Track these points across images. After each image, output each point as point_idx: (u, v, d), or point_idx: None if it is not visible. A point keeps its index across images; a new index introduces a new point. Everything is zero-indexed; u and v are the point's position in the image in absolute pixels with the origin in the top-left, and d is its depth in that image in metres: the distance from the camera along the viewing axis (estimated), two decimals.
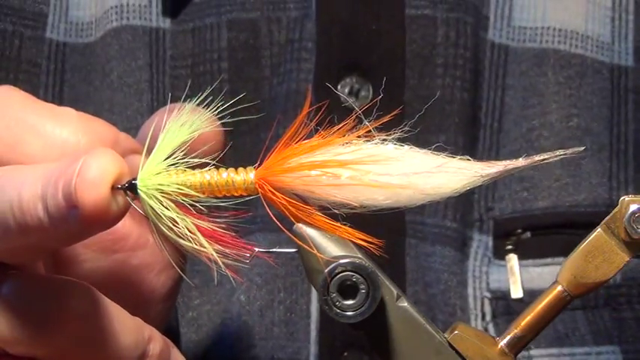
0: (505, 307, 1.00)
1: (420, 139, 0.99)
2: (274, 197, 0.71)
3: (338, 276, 0.68)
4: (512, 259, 1.01)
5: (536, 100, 1.02)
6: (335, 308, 0.69)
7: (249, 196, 0.73)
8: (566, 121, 1.02)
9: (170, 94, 1.03)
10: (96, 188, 0.63)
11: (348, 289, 0.69)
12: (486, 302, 1.00)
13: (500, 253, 1.01)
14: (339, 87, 1.00)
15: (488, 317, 1.00)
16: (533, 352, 0.98)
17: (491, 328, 1.00)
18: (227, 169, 0.72)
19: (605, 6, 1.03)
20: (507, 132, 1.02)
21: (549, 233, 1.01)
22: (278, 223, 0.71)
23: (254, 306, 1.00)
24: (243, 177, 0.72)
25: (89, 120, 0.73)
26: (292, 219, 0.71)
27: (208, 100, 0.72)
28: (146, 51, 1.04)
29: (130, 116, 1.03)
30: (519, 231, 1.01)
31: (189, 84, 1.02)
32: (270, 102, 1.02)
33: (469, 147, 1.02)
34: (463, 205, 1.01)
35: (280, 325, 1.00)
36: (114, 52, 1.04)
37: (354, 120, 0.72)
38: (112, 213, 0.65)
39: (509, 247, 1.02)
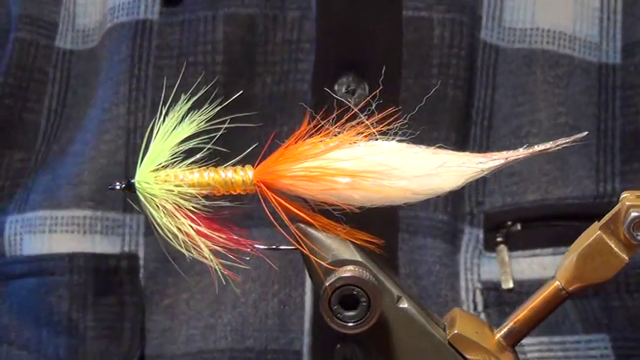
0: (496, 298, 1.02)
1: (414, 135, 1.01)
2: (272, 197, 0.72)
3: (339, 290, 0.69)
4: (503, 250, 1.03)
5: (526, 99, 1.04)
6: (336, 319, 0.69)
7: (247, 194, 0.73)
8: (554, 119, 1.04)
9: (153, 83, 1.04)
10: None
11: (348, 300, 0.69)
12: (478, 293, 1.02)
13: (490, 245, 1.03)
14: (335, 86, 1.02)
15: (480, 307, 1.02)
16: (525, 340, 1.00)
17: (482, 317, 1.01)
18: (225, 167, 0.73)
19: (593, 7, 1.05)
20: (497, 129, 1.04)
21: (538, 225, 1.03)
22: (276, 224, 0.72)
23: (248, 298, 1.02)
24: (242, 176, 0.73)
25: None
26: (288, 221, 0.72)
27: (201, 95, 0.73)
28: (129, 43, 1.05)
29: (105, 108, 1.05)
30: (509, 223, 1.03)
31: (181, 74, 1.03)
32: (263, 100, 1.03)
33: (461, 143, 1.03)
34: (454, 198, 1.03)
35: (274, 317, 1.02)
36: (104, 52, 1.06)
37: (354, 118, 0.73)
38: None
39: (500, 239, 1.03)
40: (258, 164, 0.73)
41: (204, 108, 0.73)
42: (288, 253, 1.00)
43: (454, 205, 1.03)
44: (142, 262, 1.03)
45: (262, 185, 0.73)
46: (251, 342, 1.02)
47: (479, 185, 1.03)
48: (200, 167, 0.73)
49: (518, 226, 1.03)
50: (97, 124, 1.04)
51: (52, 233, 1.03)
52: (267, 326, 1.02)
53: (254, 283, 1.03)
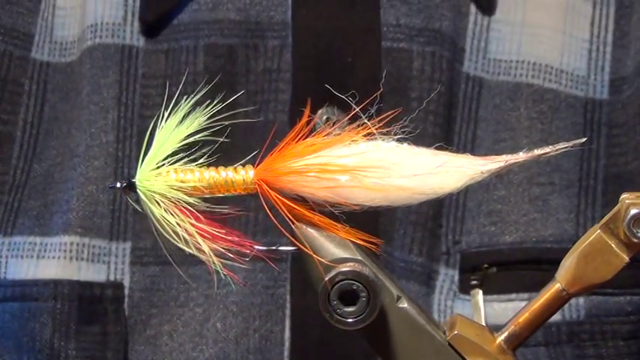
0: None
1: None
2: (273, 196, 0.72)
3: (338, 284, 0.69)
4: (478, 294, 1.02)
5: (508, 135, 1.04)
6: (336, 315, 0.69)
7: (247, 194, 0.74)
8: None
9: (139, 112, 1.04)
10: None
11: (348, 295, 0.69)
12: None
13: (465, 288, 1.03)
14: (315, 117, 1.01)
15: None
16: None
17: None
18: (226, 167, 0.73)
19: (582, 38, 1.06)
20: None
21: (515, 269, 1.02)
22: (277, 223, 0.72)
23: (230, 333, 1.01)
24: (243, 176, 0.73)
25: None
26: (291, 218, 0.72)
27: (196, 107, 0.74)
28: (116, 68, 1.04)
29: (93, 134, 1.03)
30: (485, 266, 1.03)
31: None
32: (244, 130, 1.03)
33: None
34: (430, 238, 1.03)
35: (256, 353, 1.01)
36: (86, 70, 1.05)
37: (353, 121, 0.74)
38: None
39: (475, 281, 1.03)
40: (259, 164, 0.73)
41: (204, 107, 0.74)
42: (269, 288, 1.01)
43: (430, 245, 1.03)
44: (127, 291, 1.02)
45: (263, 184, 0.73)
46: None
47: (456, 224, 1.03)
48: (200, 167, 0.73)
49: (494, 269, 1.03)
50: (85, 149, 1.03)
51: (40, 259, 1.02)
52: None
53: (235, 318, 1.02)
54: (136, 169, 0.73)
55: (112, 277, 1.02)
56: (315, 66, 1.03)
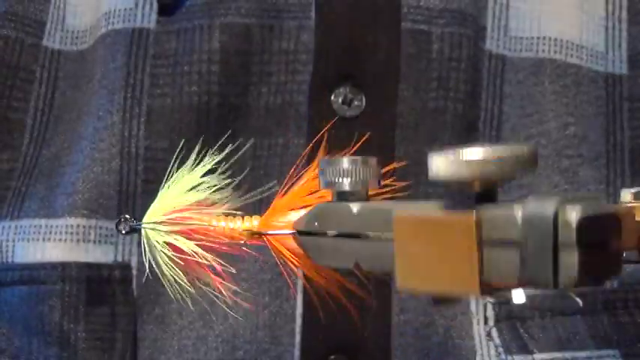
0: (508, 312, 1.01)
1: (412, 150, 1.00)
2: (276, 249, 0.73)
3: None
4: None
5: (534, 109, 1.03)
6: None
7: (253, 242, 0.75)
8: (563, 130, 1.03)
9: (148, 92, 1.03)
10: None
11: None
12: (489, 307, 1.01)
13: None
14: (332, 97, 1.01)
15: (491, 322, 1.01)
16: (537, 356, 1.00)
17: (494, 332, 1.01)
18: (235, 216, 0.75)
19: (598, 15, 1.05)
20: (506, 140, 1.03)
21: None
22: (286, 258, 0.73)
23: (239, 310, 1.00)
24: (248, 225, 0.74)
25: None
26: (295, 264, 0.73)
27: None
28: (125, 51, 1.03)
29: (100, 116, 1.03)
30: None
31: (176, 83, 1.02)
32: (259, 111, 1.02)
33: None
34: None
35: (264, 329, 1.02)
36: (98, 57, 1.04)
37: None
38: None
39: None
40: (263, 212, 0.74)
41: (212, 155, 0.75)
42: (279, 265, 1.00)
43: None
44: (134, 271, 1.02)
45: (268, 235, 0.74)
46: (241, 354, 1.02)
47: None
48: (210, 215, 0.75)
49: None
50: (92, 132, 1.03)
51: (46, 242, 1.02)
52: (257, 338, 1.02)
53: (245, 294, 1.02)
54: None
55: (119, 258, 1.02)
56: (336, 45, 1.02)
